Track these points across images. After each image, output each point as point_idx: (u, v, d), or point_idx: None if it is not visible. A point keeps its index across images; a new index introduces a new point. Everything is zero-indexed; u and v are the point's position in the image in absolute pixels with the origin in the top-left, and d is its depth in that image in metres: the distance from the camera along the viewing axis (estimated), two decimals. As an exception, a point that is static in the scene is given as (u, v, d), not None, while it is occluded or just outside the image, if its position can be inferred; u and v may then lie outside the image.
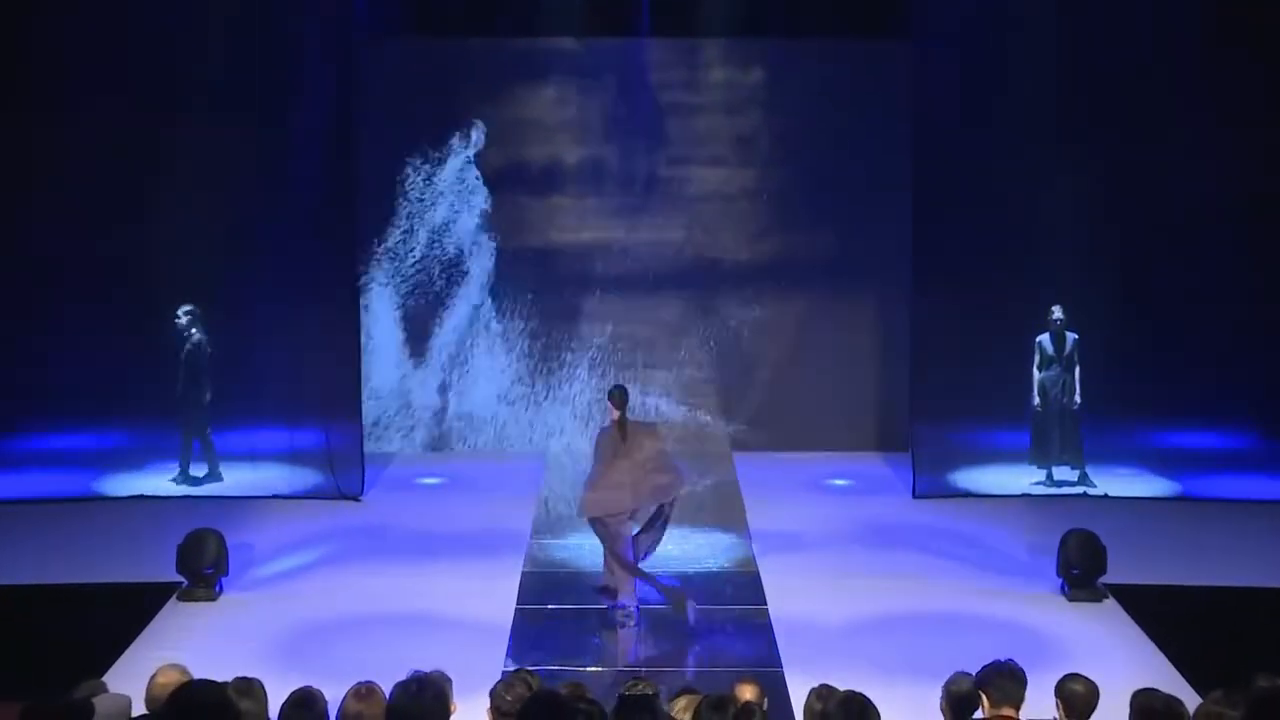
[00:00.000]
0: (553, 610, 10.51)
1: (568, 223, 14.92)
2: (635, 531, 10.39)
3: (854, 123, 14.57)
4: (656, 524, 10.43)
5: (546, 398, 14.98)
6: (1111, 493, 13.38)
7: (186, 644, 9.52)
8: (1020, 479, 13.57)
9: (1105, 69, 13.25)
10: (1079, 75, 13.31)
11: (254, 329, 13.44)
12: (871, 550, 11.93)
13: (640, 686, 6.00)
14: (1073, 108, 13.37)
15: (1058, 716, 6.03)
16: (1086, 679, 6.05)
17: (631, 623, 10.13)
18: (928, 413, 13.40)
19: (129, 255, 13.51)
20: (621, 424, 10.33)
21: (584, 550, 11.33)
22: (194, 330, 13.20)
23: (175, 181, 13.37)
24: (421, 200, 14.71)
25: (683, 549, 11.63)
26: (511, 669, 8.52)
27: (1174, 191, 13.51)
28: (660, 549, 10.63)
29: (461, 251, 14.83)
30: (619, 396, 10.42)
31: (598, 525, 10.34)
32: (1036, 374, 13.38)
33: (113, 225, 13.44)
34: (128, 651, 9.52)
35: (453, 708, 5.45)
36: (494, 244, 14.86)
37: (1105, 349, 13.44)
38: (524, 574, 11.22)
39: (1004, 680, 5.86)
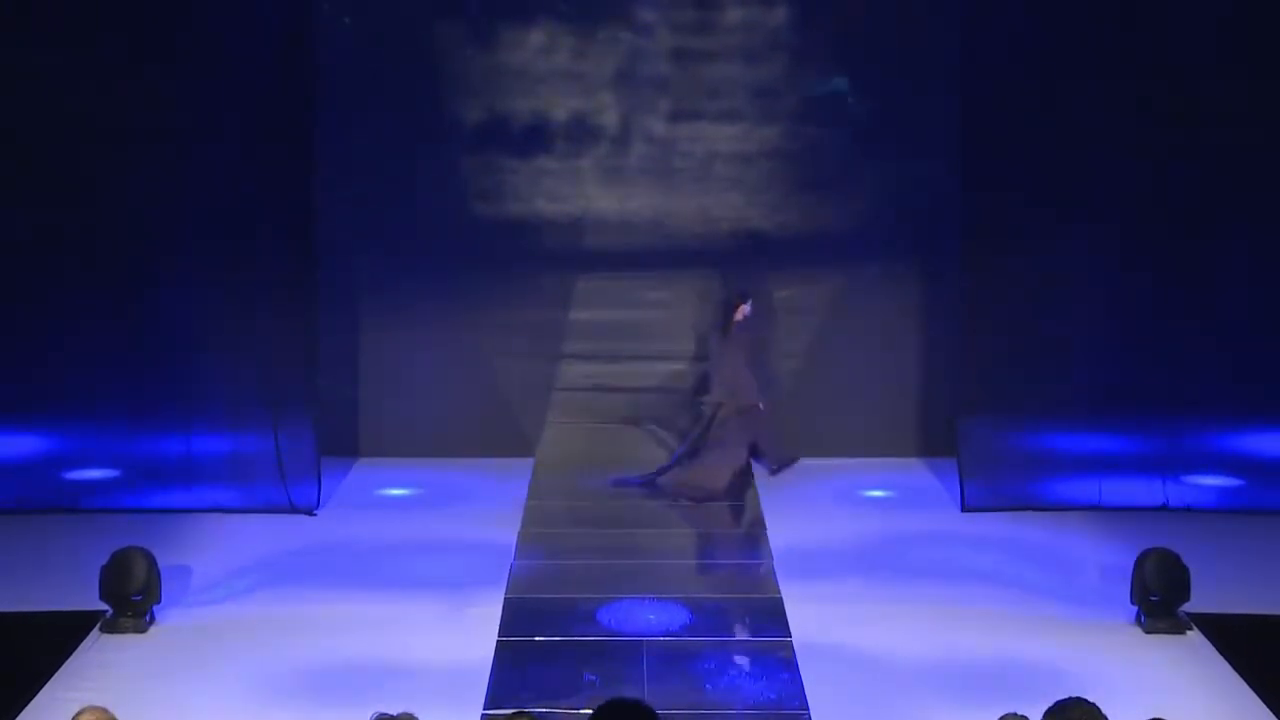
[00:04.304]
0: (541, 644, 10.50)
1: (556, 189, 14.90)
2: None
3: (895, 72, 14.52)
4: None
5: (530, 395, 14.94)
6: (1195, 504, 13.38)
7: (111, 683, 9.53)
8: (1088, 488, 13.53)
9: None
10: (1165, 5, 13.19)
11: (190, 314, 13.36)
12: (913, 573, 11.94)
13: (643, 735, 5.97)
14: (1161, 41, 13.15)
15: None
16: (1168, 726, 6.05)
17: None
18: (979, 410, 13.38)
19: (45, 234, 13.44)
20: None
21: (578, 571, 11.29)
22: None
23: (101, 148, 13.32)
24: (385, 163, 14.65)
25: (691, 572, 11.60)
26: (491, 712, 8.51)
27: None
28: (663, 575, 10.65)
29: (430, 222, 14.77)
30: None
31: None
32: None
33: (32, 197, 13.36)
34: (41, 693, 9.51)
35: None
36: (467, 214, 14.80)
37: (1194, 332, 13.39)
38: (507, 600, 11.22)
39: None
